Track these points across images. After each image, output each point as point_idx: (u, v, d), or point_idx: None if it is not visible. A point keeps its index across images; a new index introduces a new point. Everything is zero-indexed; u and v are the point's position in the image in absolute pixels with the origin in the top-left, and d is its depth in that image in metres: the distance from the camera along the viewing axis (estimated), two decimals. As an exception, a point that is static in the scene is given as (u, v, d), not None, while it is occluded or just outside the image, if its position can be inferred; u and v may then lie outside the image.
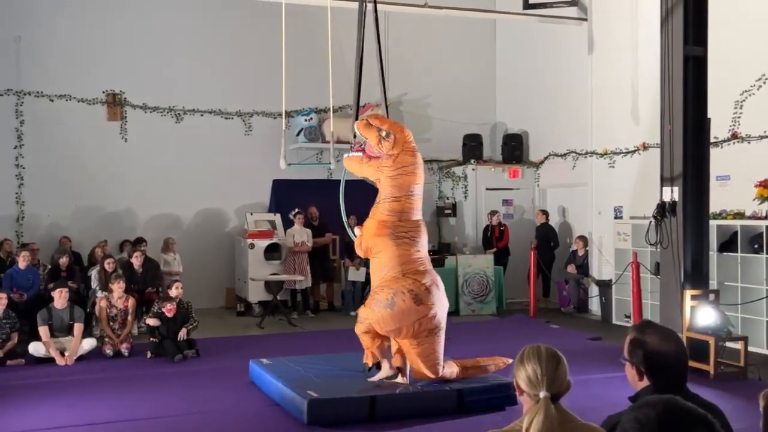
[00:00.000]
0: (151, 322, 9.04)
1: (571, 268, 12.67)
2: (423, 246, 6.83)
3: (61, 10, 12.75)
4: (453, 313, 12.33)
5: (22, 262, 10.26)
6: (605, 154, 12.43)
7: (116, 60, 13.03)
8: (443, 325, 6.63)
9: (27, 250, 10.67)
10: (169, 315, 9.04)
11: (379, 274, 6.70)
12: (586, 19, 12.87)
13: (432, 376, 6.58)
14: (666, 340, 2.65)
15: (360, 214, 7.43)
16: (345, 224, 7.83)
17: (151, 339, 9.06)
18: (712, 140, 8.86)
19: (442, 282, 6.80)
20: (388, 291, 6.47)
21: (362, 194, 9.23)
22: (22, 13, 12.57)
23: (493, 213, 13.66)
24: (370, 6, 7.82)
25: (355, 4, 7.93)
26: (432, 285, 6.57)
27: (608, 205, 12.33)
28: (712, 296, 8.14)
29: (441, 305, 6.62)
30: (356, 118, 7.52)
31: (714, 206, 9.04)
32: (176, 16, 13.34)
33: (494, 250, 13.26)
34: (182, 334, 8.97)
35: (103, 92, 13.07)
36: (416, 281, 6.50)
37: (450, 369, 6.71)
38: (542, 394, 2.38)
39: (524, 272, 12.97)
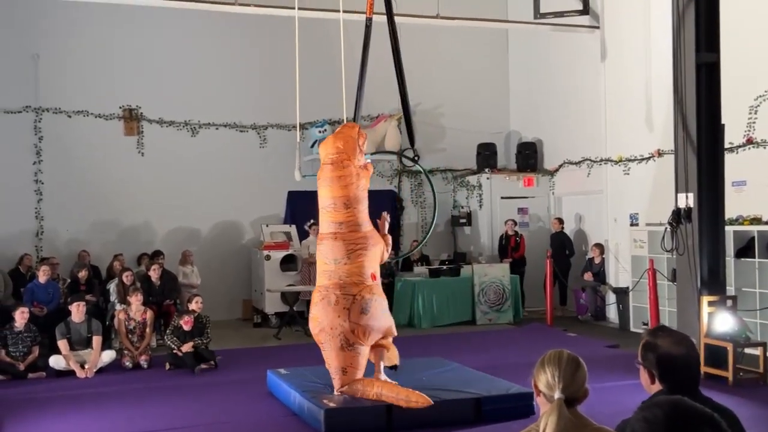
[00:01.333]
0: (185, 348, 9.02)
1: (588, 276, 12.64)
2: (329, 259, 6.71)
3: (77, 28, 12.94)
4: (470, 322, 12.45)
5: (42, 276, 10.40)
6: (620, 161, 12.41)
7: (132, 76, 13.21)
8: (330, 341, 6.58)
9: (47, 265, 10.81)
10: (187, 328, 9.11)
11: None
12: (598, 27, 12.89)
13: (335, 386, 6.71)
14: (678, 344, 2.66)
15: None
16: None
17: (173, 350, 9.10)
18: (727, 146, 8.84)
19: (335, 298, 6.59)
20: None
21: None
22: (40, 32, 12.77)
23: (506, 222, 13.67)
24: (375, 18, 7.89)
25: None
26: (318, 299, 6.72)
27: (624, 212, 12.29)
28: (729, 302, 8.10)
29: (325, 320, 6.58)
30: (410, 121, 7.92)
31: (731, 212, 9.01)
32: (190, 31, 13.49)
33: (510, 260, 13.24)
34: (187, 347, 8.99)
35: (120, 107, 13.24)
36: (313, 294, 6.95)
37: (360, 387, 6.61)
38: (557, 395, 2.43)
39: (541, 280, 12.95)
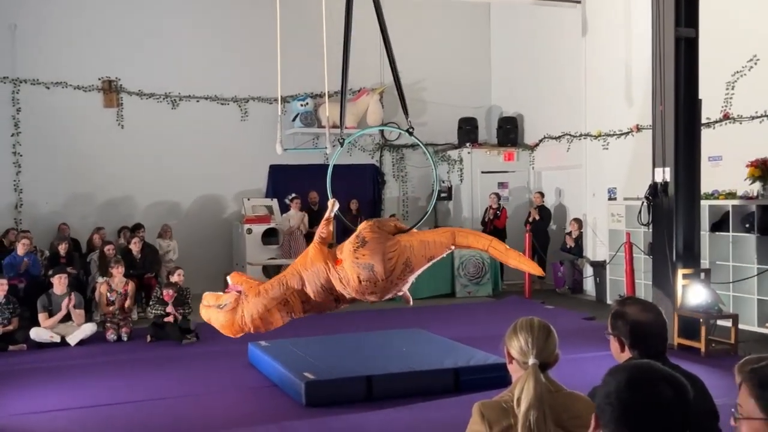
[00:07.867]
0: (170, 309, 9.08)
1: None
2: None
3: (55, -3, 12.77)
4: (449, 294, 12.57)
5: (21, 249, 10.35)
6: (599, 136, 12.51)
7: (112, 47, 13.06)
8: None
9: (26, 237, 10.74)
10: (168, 300, 9.15)
11: None
12: (579, 2, 12.91)
13: None
14: (646, 311, 2.76)
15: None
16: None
17: (155, 323, 9.15)
18: (704, 121, 8.94)
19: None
20: None
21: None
22: (18, 2, 12.58)
23: (490, 195, 13.74)
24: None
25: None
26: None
27: (602, 186, 12.43)
28: (703, 275, 8.26)
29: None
30: (343, 105, 7.40)
31: (706, 186, 9.14)
32: (172, 1, 13.35)
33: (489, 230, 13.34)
34: (171, 309, 9.04)
35: (99, 79, 13.10)
36: None
37: None
38: (531, 361, 2.51)
39: (520, 254, 13.05)
